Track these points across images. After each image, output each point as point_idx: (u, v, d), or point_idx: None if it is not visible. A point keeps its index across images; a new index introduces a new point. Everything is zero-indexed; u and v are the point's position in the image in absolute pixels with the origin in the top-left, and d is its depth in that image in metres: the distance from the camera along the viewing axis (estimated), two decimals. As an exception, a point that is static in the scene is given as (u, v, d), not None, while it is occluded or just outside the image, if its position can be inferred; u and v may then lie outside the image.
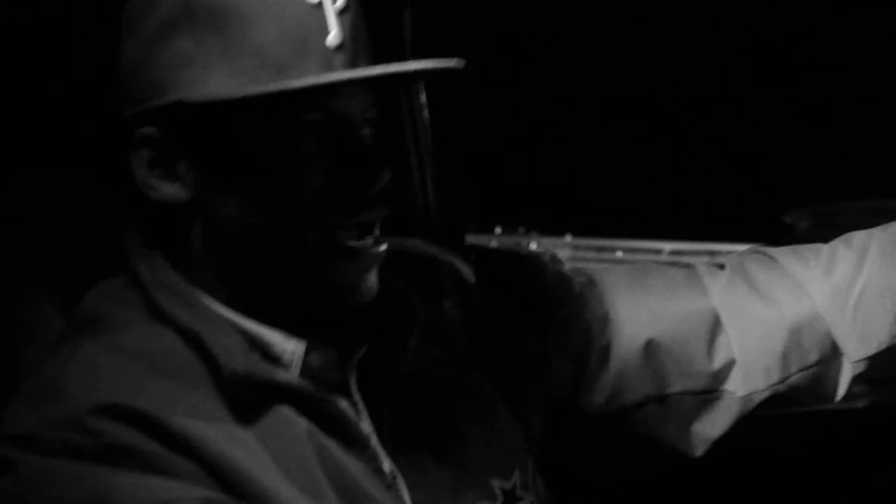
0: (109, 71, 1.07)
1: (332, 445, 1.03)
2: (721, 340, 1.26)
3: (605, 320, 1.25)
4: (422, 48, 1.52)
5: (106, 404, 0.96)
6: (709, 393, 1.26)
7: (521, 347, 1.23)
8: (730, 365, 1.26)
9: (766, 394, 1.26)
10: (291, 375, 1.04)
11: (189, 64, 1.00)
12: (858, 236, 1.28)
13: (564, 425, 1.26)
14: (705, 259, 1.41)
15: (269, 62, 0.99)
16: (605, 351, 1.25)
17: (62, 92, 1.39)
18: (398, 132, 1.53)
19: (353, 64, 1.02)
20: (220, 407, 1.00)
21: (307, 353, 1.05)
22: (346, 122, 1.03)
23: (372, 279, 1.05)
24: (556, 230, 2.18)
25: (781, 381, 1.26)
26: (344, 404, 1.06)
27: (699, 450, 1.27)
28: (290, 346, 1.05)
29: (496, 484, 1.13)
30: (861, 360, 1.25)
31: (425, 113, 1.54)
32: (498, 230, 2.14)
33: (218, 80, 1.00)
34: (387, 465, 1.06)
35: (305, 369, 1.05)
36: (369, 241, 1.05)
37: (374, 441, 1.06)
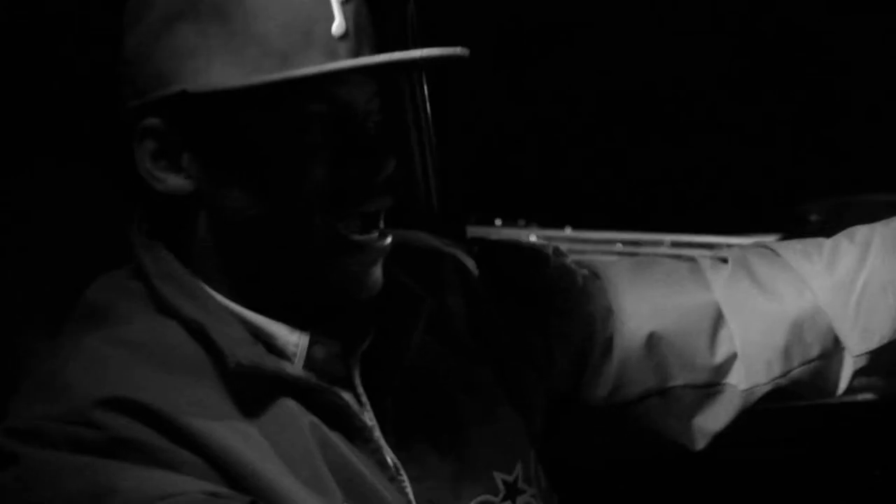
0: (111, 65, 1.06)
1: (335, 438, 1.03)
2: (723, 334, 1.25)
3: (607, 313, 1.25)
4: (424, 40, 1.52)
5: (110, 397, 0.95)
6: (711, 386, 1.26)
7: (524, 341, 1.22)
8: (732, 359, 1.25)
9: (768, 387, 1.26)
10: (295, 368, 1.04)
11: (192, 54, 1.00)
12: (861, 230, 1.28)
13: (566, 418, 1.26)
14: (705, 251, 1.41)
15: (273, 51, 0.99)
16: (608, 344, 1.24)
17: (62, 89, 1.38)
18: (401, 123, 1.53)
19: (357, 53, 1.01)
20: (225, 399, 1.00)
21: (311, 345, 1.05)
22: (351, 112, 1.02)
23: (377, 272, 1.05)
24: (556, 223, 2.19)
25: (783, 375, 1.26)
26: (347, 397, 1.06)
27: (700, 443, 1.27)
28: (293, 339, 1.05)
29: (498, 477, 1.12)
30: (863, 354, 1.25)
31: (427, 104, 1.54)
32: (498, 222, 2.14)
33: (221, 70, 0.99)
34: (390, 457, 1.06)
35: (309, 362, 1.05)
36: (374, 234, 1.04)
37: (378, 434, 1.06)
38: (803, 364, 1.26)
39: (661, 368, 1.25)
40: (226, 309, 1.03)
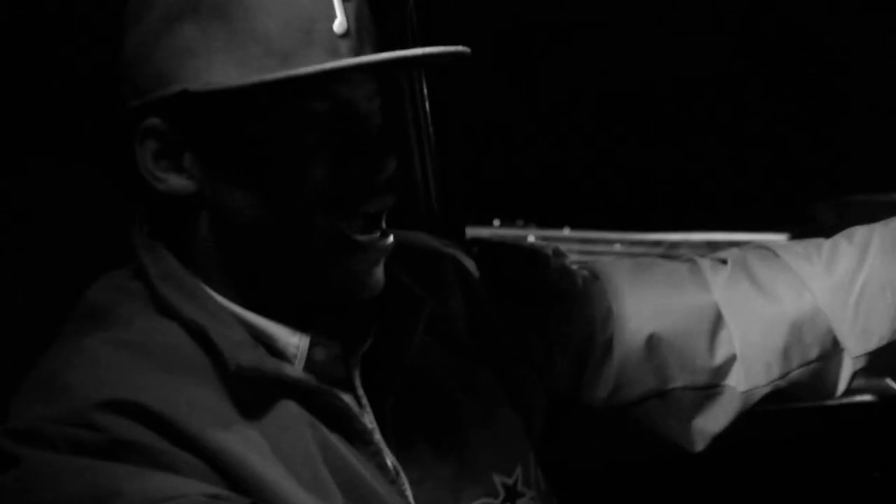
0: (111, 65, 1.06)
1: (335, 440, 1.03)
2: (723, 336, 1.25)
3: (607, 315, 1.25)
4: (424, 39, 1.52)
5: (110, 399, 0.95)
6: (710, 388, 1.26)
7: (524, 342, 1.22)
8: (731, 360, 1.25)
9: (767, 389, 1.26)
10: (295, 370, 1.04)
11: (194, 54, 0.99)
12: (860, 231, 1.28)
13: (566, 420, 1.26)
14: (704, 251, 1.41)
15: (274, 50, 0.98)
16: (608, 345, 1.24)
17: (62, 89, 1.38)
18: (401, 123, 1.52)
19: (358, 51, 1.01)
20: (225, 401, 0.99)
21: (311, 347, 1.05)
22: (352, 111, 1.02)
23: (379, 272, 1.05)
24: (555, 223, 2.18)
25: (782, 377, 1.26)
26: (347, 399, 1.06)
27: (699, 445, 1.27)
28: (294, 341, 1.04)
29: (498, 479, 1.12)
30: (862, 355, 1.25)
31: (427, 104, 1.53)
32: (496, 222, 2.14)
33: (223, 69, 0.98)
34: (389, 460, 1.06)
35: (309, 364, 1.05)
36: (376, 234, 1.04)
37: (378, 436, 1.06)
38: (802, 365, 1.26)
39: (661, 370, 1.25)
40: (226, 310, 1.03)
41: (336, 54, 1.00)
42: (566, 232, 2.18)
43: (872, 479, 1.57)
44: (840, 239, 1.28)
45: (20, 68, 1.36)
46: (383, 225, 1.05)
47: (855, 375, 1.28)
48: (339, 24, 1.00)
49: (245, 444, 0.98)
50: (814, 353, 1.26)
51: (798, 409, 1.45)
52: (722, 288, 1.27)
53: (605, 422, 1.26)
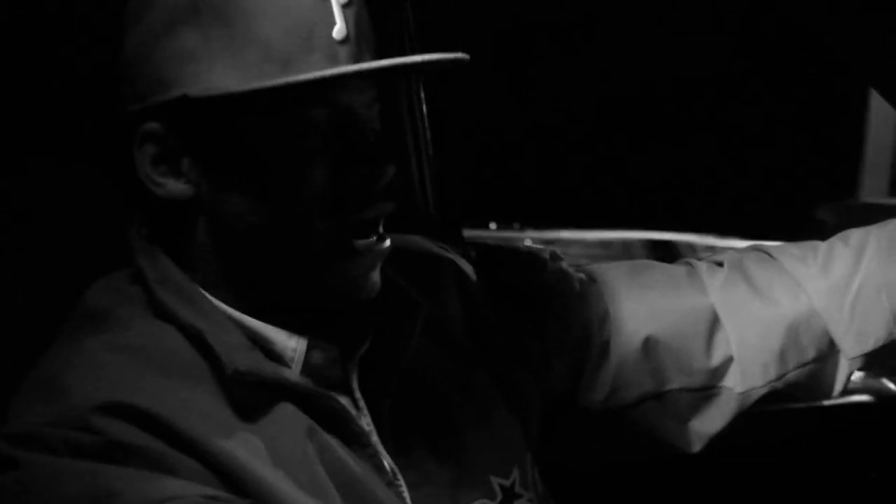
0: (111, 67, 1.06)
1: (333, 443, 1.03)
2: (719, 337, 1.26)
3: (604, 317, 1.25)
4: (423, 43, 1.52)
5: (108, 402, 0.96)
6: (707, 389, 1.26)
7: (521, 345, 1.23)
8: (728, 362, 1.26)
9: (764, 390, 1.27)
10: (293, 373, 1.04)
11: (193, 58, 0.99)
12: (856, 234, 1.28)
13: (563, 422, 1.26)
14: (703, 253, 1.41)
15: (274, 56, 0.98)
16: (605, 348, 1.25)
17: (62, 89, 1.38)
18: (398, 127, 1.53)
19: (358, 57, 1.01)
20: (223, 405, 1.00)
21: (309, 350, 1.05)
22: (351, 117, 1.02)
23: (375, 276, 1.05)
24: (552, 226, 2.19)
25: (779, 378, 1.26)
26: (345, 402, 1.06)
27: (697, 446, 1.27)
28: (291, 344, 1.05)
29: (495, 481, 1.12)
30: (858, 356, 1.26)
31: (425, 109, 1.54)
32: (493, 226, 2.14)
33: (222, 74, 0.98)
34: (387, 462, 1.06)
35: (307, 367, 1.05)
36: (373, 239, 1.04)
37: (375, 438, 1.06)
38: (799, 367, 1.26)
39: (658, 372, 1.25)
40: (224, 314, 1.04)
41: (335, 61, 1.00)
42: (561, 234, 2.17)
43: (870, 480, 1.58)
44: (836, 241, 1.29)
45: (20, 68, 1.37)
46: (381, 230, 1.05)
47: (851, 377, 1.29)
48: (338, 30, 1.00)
49: (243, 446, 0.98)
50: (810, 354, 1.26)
51: (795, 409, 1.45)
52: (718, 290, 1.27)
53: (602, 424, 1.26)
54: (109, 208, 1.22)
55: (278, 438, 1.00)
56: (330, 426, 1.04)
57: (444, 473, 1.09)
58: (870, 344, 1.25)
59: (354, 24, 1.02)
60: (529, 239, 2.12)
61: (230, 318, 1.04)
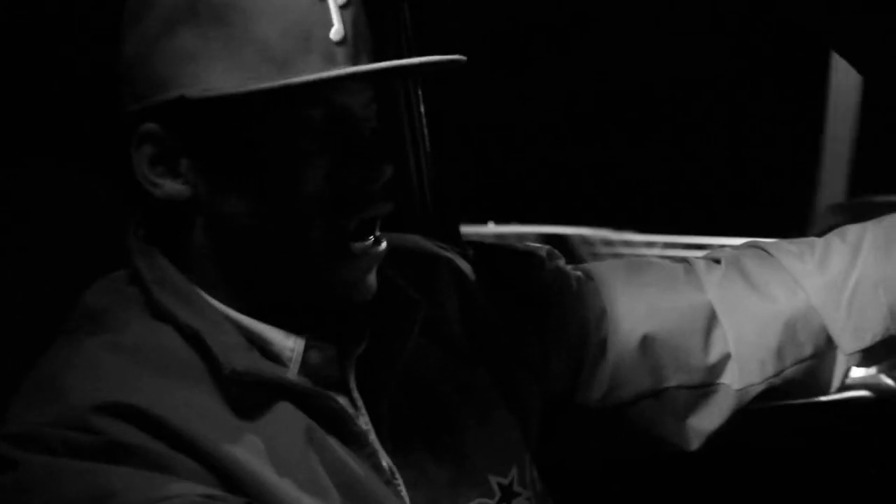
0: (110, 68, 1.06)
1: (331, 442, 1.03)
2: (717, 335, 1.26)
3: (602, 315, 1.25)
4: (420, 43, 1.52)
5: (106, 402, 0.95)
6: (705, 387, 1.26)
7: (520, 343, 1.22)
8: (726, 359, 1.26)
9: (762, 387, 1.26)
10: (291, 373, 1.04)
11: (191, 59, 0.99)
12: (852, 230, 1.28)
13: (562, 420, 1.26)
14: (699, 252, 1.41)
15: (271, 57, 0.98)
16: (603, 346, 1.24)
17: (62, 89, 1.38)
18: (397, 128, 1.53)
19: (355, 58, 1.01)
20: (221, 405, 1.00)
21: (306, 350, 1.05)
22: (348, 117, 1.02)
23: (372, 279, 1.05)
24: (550, 223, 2.18)
25: (777, 375, 1.26)
26: (343, 401, 1.06)
27: (695, 443, 1.27)
28: (289, 344, 1.05)
29: (494, 480, 1.12)
30: (855, 352, 1.26)
31: (423, 108, 1.54)
32: (491, 224, 2.14)
33: (220, 75, 0.98)
34: (385, 461, 1.06)
35: (305, 367, 1.05)
36: (370, 241, 1.04)
37: (373, 438, 1.06)
38: (796, 363, 1.26)
39: (656, 369, 1.25)
40: (222, 314, 1.04)
41: (333, 62, 1.00)
42: (561, 229, 2.17)
43: (869, 476, 1.57)
44: (833, 238, 1.29)
45: (20, 68, 1.36)
46: (377, 231, 1.05)
47: (848, 373, 1.29)
48: (336, 31, 1.00)
49: (241, 446, 0.98)
50: (808, 350, 1.26)
51: (793, 406, 1.45)
52: (716, 287, 1.27)
53: (600, 422, 1.26)
54: (109, 208, 1.22)
55: (277, 438, 1.00)
56: (328, 426, 1.03)
57: (443, 472, 1.09)
58: (867, 340, 1.25)
59: (352, 26, 1.02)
60: (528, 237, 2.12)
61: (228, 318, 1.04)
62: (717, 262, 1.30)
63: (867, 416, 1.60)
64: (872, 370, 1.65)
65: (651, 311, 1.25)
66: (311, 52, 0.99)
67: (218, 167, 1.02)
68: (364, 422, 1.06)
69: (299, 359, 1.05)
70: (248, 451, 0.99)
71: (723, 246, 1.35)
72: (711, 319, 1.26)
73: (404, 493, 1.06)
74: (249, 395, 1.01)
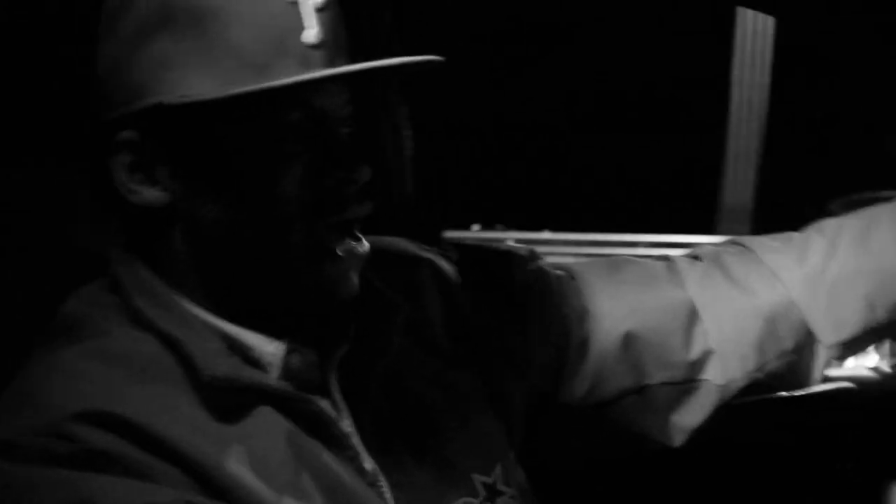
0: (86, 75, 1.05)
1: (313, 446, 1.01)
2: (698, 331, 1.25)
3: (583, 314, 1.24)
4: (401, 47, 1.51)
5: (85, 411, 0.94)
6: (687, 383, 1.25)
7: (502, 344, 1.21)
8: (707, 354, 1.25)
9: (744, 381, 1.26)
10: (272, 378, 1.02)
11: (168, 66, 0.98)
12: (830, 223, 1.28)
13: (545, 419, 1.25)
14: (682, 251, 1.40)
15: (248, 62, 0.97)
16: (585, 344, 1.24)
17: (63, 89, 1.37)
18: (376, 130, 1.52)
19: (331, 61, 1.00)
20: (201, 411, 0.98)
21: (287, 354, 1.03)
22: (326, 120, 1.01)
23: (354, 279, 1.04)
24: (534, 226, 2.17)
25: (758, 369, 1.26)
26: (324, 404, 1.05)
27: (679, 439, 1.26)
28: (270, 349, 1.03)
29: (478, 479, 1.11)
30: (835, 344, 1.25)
31: (404, 111, 1.53)
32: (476, 227, 2.13)
33: (197, 81, 0.97)
34: (368, 464, 1.04)
35: (286, 371, 1.03)
36: (351, 242, 1.03)
37: (356, 440, 1.05)
38: (778, 357, 1.26)
39: (638, 367, 1.24)
40: (201, 321, 1.02)
41: (309, 65, 0.99)
42: (546, 235, 2.16)
43: (846, 471, 1.56)
44: (811, 232, 1.28)
45: (20, 68, 1.35)
46: (357, 232, 1.04)
47: (829, 365, 1.28)
48: (312, 34, 0.99)
49: (223, 452, 0.97)
50: (788, 344, 1.25)
51: (775, 399, 1.44)
52: (696, 284, 1.26)
53: (584, 420, 1.25)
54: (89, 218, 1.21)
55: (258, 443, 0.99)
56: (310, 429, 1.02)
57: (426, 473, 1.08)
58: (847, 332, 1.25)
59: (329, 29, 1.01)
60: (512, 240, 2.12)
61: (208, 324, 1.02)
62: (698, 258, 1.30)
63: (850, 409, 1.59)
64: (856, 362, 1.64)
65: (632, 309, 1.25)
66: (286, 55, 0.98)
67: (196, 173, 1.00)
68: (346, 424, 1.05)
69: (280, 363, 1.03)
70: (230, 456, 0.97)
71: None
72: (692, 316, 1.25)
73: (388, 494, 1.05)
74: (230, 400, 0.99)
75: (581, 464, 1.50)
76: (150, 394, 0.97)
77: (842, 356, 1.27)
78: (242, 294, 1.03)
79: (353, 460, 1.04)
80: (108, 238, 1.06)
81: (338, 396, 1.06)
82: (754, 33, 2.26)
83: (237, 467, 0.97)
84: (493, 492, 1.12)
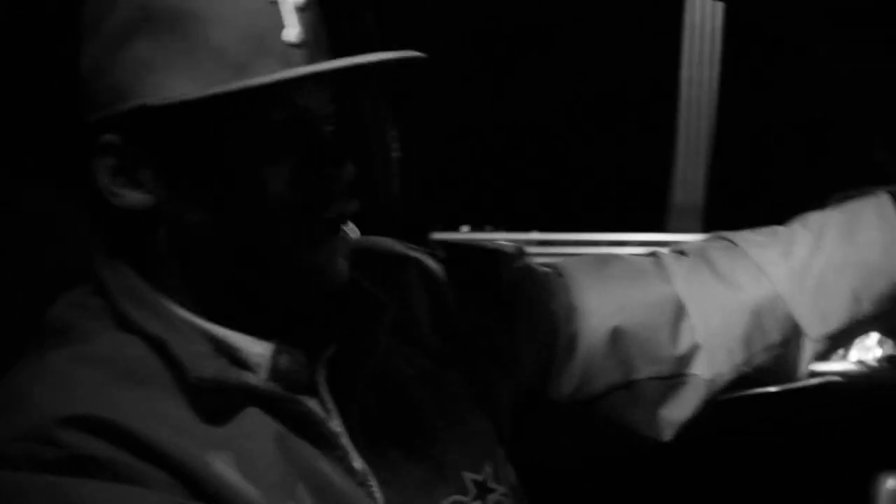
0: (68, 78, 1.04)
1: (302, 446, 1.00)
2: (685, 325, 1.24)
3: (571, 310, 1.24)
4: (386, 47, 1.50)
5: (74, 415, 0.93)
6: (675, 377, 1.25)
7: (490, 342, 1.20)
8: (694, 349, 1.24)
9: (731, 375, 1.25)
10: (259, 379, 1.01)
11: (150, 68, 0.97)
12: (815, 217, 1.28)
13: (534, 416, 1.24)
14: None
15: (229, 62, 0.97)
16: (573, 340, 1.23)
17: (63, 89, 1.36)
18: (361, 128, 1.51)
19: (312, 60, 0.99)
20: (189, 414, 0.97)
21: (275, 355, 1.02)
22: (308, 118, 1.00)
23: (342, 264, 1.03)
24: (524, 227, 2.16)
25: (745, 363, 1.25)
26: (313, 404, 1.03)
27: (668, 434, 1.26)
28: (257, 350, 1.02)
29: (468, 477, 1.10)
30: (821, 337, 1.25)
31: (389, 109, 1.52)
32: (465, 229, 2.12)
33: (179, 83, 0.96)
34: (358, 463, 1.03)
35: (274, 372, 1.02)
36: (336, 236, 1.02)
37: (345, 440, 1.04)
38: (764, 351, 1.25)
39: (626, 362, 1.23)
40: (188, 323, 1.01)
41: (291, 64, 0.98)
42: (535, 235, 2.15)
43: (835, 462, 1.56)
44: (796, 225, 1.28)
45: (20, 68, 1.34)
46: (345, 227, 1.03)
47: (816, 358, 1.27)
48: (293, 33, 0.99)
49: (211, 454, 0.95)
50: (775, 337, 1.25)
51: (765, 394, 1.44)
52: (682, 279, 1.26)
53: (572, 417, 1.24)
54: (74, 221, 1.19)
55: (247, 444, 0.97)
56: (298, 430, 1.01)
57: (416, 471, 1.07)
58: (833, 325, 1.24)
59: (309, 28, 1.00)
60: (501, 241, 2.11)
61: (194, 326, 1.01)
62: (684, 253, 1.30)
63: (838, 403, 1.59)
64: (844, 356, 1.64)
65: (619, 305, 1.24)
66: (268, 55, 0.97)
67: (180, 176, 0.99)
68: (335, 424, 1.04)
69: (268, 364, 1.02)
70: (219, 458, 0.96)
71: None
72: (679, 311, 1.25)
73: (378, 494, 1.04)
74: (218, 402, 0.98)
75: (571, 460, 1.49)
76: (137, 397, 0.96)
77: (828, 349, 1.27)
78: (229, 295, 1.02)
79: (342, 460, 1.03)
80: (94, 241, 1.05)
81: (326, 396, 1.05)
82: (702, 32, 2.26)
83: (225, 469, 0.96)
84: (483, 489, 1.11)
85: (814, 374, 1.31)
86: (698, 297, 1.25)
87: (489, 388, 1.19)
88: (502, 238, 2.12)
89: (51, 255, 1.32)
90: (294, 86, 0.98)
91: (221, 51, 0.97)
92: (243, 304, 1.02)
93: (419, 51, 1.01)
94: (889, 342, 1.62)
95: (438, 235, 1.93)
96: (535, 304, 1.23)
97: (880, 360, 1.63)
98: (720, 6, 2.14)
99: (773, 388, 1.43)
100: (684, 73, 2.25)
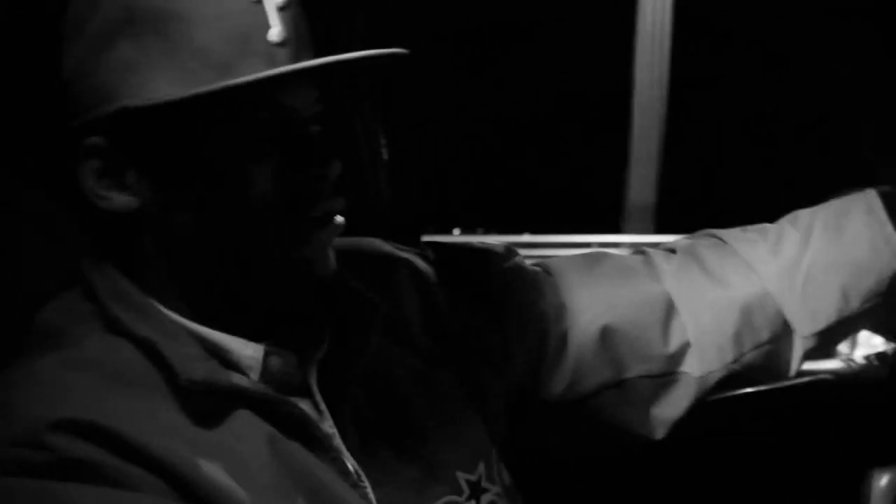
0: (51, 81, 1.03)
1: (295, 448, 0.99)
2: (675, 324, 1.24)
3: (561, 309, 1.23)
4: (377, 45, 1.49)
5: (63, 419, 0.91)
6: (666, 375, 1.24)
7: (481, 340, 1.20)
8: (685, 347, 1.24)
9: (722, 373, 1.25)
10: (250, 381, 1.00)
11: (133, 69, 0.96)
12: (803, 214, 1.27)
13: (526, 416, 1.23)
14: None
15: (212, 62, 0.95)
16: (563, 339, 1.22)
17: (49, 94, 1.35)
18: (348, 128, 1.49)
19: (296, 59, 0.98)
20: (180, 416, 0.96)
21: (266, 357, 1.01)
22: (294, 117, 0.99)
23: (330, 255, 1.01)
24: (516, 229, 2.16)
25: (736, 360, 1.24)
26: (305, 406, 1.02)
27: (659, 432, 1.25)
28: (249, 352, 1.01)
29: (461, 477, 1.09)
30: (811, 335, 1.24)
31: (376, 109, 1.51)
32: (456, 231, 2.12)
33: (163, 84, 0.95)
34: (351, 464, 1.02)
35: (265, 374, 1.01)
36: (324, 229, 1.01)
37: (338, 441, 1.02)
38: (755, 348, 1.25)
39: (617, 361, 1.23)
40: (178, 325, 1.00)
41: (273, 63, 0.96)
42: (526, 237, 2.15)
43: (827, 459, 1.55)
44: (784, 223, 1.28)
45: (20, 68, 1.33)
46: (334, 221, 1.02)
47: (806, 355, 1.27)
48: (275, 33, 0.97)
49: (203, 457, 0.94)
50: (765, 335, 1.24)
51: (757, 391, 1.43)
52: (672, 277, 1.25)
53: (564, 416, 1.24)
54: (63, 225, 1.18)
55: (239, 447, 0.96)
56: (291, 432, 1.00)
57: (410, 472, 1.06)
58: (822, 322, 1.23)
59: (292, 27, 0.99)
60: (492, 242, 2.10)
61: (185, 328, 1.00)
62: (673, 251, 1.29)
63: (828, 400, 1.58)
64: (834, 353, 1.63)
65: (610, 303, 1.23)
66: (251, 54, 0.96)
67: (165, 177, 0.98)
68: (328, 425, 1.03)
69: (260, 366, 1.01)
70: (210, 462, 0.94)
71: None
72: (669, 309, 1.24)
73: (371, 495, 1.02)
74: (209, 405, 0.97)
75: (564, 460, 1.48)
76: (127, 400, 0.95)
77: (818, 346, 1.26)
78: (218, 296, 1.01)
79: (335, 461, 1.01)
80: (82, 244, 1.04)
81: (318, 398, 1.04)
82: (653, 34, 2.26)
83: (216, 472, 0.94)
84: (476, 489, 1.10)
85: (804, 372, 1.30)
86: (688, 295, 1.24)
87: (480, 388, 1.18)
88: (494, 240, 2.11)
89: (51, 255, 1.30)
90: (278, 85, 0.97)
91: (205, 51, 0.95)
92: (229, 304, 1.01)
93: (415, 48, 1.00)
94: (878, 339, 1.61)
95: (431, 238, 1.92)
96: (526, 303, 1.23)
97: (870, 357, 1.62)
98: (670, 10, 2.14)
99: (763, 386, 1.42)
100: (637, 77, 2.25)
